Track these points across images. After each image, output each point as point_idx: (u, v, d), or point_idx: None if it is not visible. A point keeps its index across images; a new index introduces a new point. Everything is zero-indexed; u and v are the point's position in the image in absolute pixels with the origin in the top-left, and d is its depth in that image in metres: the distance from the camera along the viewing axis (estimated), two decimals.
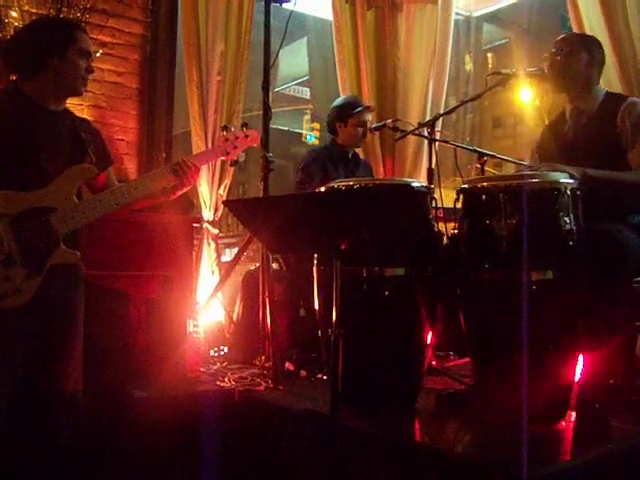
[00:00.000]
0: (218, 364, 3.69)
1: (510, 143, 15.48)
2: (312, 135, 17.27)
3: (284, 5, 3.80)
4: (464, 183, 2.75)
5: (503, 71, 3.51)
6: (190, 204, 3.96)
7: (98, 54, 4.47)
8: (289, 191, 4.25)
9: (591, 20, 4.00)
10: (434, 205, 2.95)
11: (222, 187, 4.89)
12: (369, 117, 4.35)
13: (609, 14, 3.92)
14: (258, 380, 3.29)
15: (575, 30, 4.06)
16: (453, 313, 2.83)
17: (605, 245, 2.52)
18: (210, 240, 4.85)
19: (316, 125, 16.96)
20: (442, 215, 3.11)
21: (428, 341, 2.88)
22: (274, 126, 5.93)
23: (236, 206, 2.36)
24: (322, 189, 2.94)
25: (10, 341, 2.25)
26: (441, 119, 4.19)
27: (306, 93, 20.27)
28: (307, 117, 19.60)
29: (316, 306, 2.97)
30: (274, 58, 3.73)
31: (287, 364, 3.58)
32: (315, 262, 2.94)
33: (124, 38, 4.82)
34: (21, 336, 2.27)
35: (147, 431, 2.78)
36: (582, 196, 2.59)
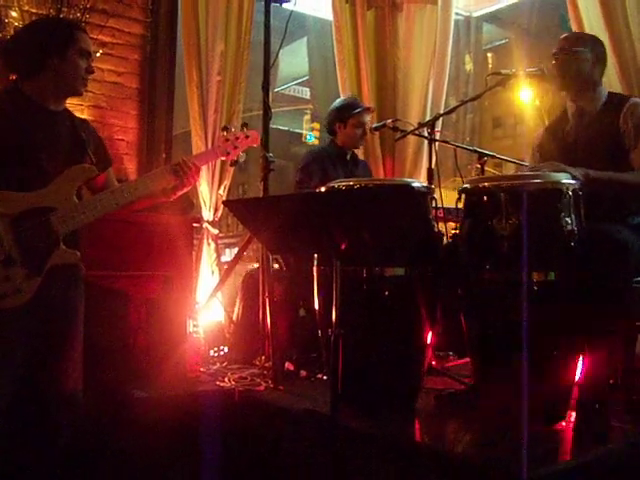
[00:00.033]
0: (218, 364, 3.69)
1: (510, 143, 15.48)
2: (312, 135, 17.26)
3: (284, 5, 3.80)
4: (466, 183, 2.75)
5: (503, 71, 3.52)
6: (190, 204, 3.96)
7: (98, 54, 4.47)
8: (289, 191, 4.25)
9: (591, 20, 4.00)
10: (434, 205, 2.95)
11: (222, 187, 4.89)
12: (368, 118, 4.35)
13: (609, 14, 3.92)
14: (258, 380, 3.29)
15: (575, 30, 4.06)
16: (453, 313, 2.83)
17: (606, 246, 2.51)
18: (210, 240, 4.85)
19: (316, 125, 16.95)
20: (442, 215, 3.11)
21: (428, 341, 2.88)
22: (274, 126, 5.92)
23: (236, 206, 2.36)
24: (322, 189, 2.95)
25: (10, 341, 2.25)
26: (441, 119, 4.19)
27: (306, 93, 20.27)
28: (307, 117, 19.60)
29: (316, 306, 2.97)
30: (274, 58, 3.72)
31: (287, 364, 3.58)
32: (315, 262, 2.94)
33: (124, 38, 4.83)
34: (21, 336, 2.27)
35: (147, 431, 2.78)
36: (584, 197, 2.59)
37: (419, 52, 5.43)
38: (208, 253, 4.85)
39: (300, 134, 19.51)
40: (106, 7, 4.66)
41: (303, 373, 3.50)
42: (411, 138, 4.79)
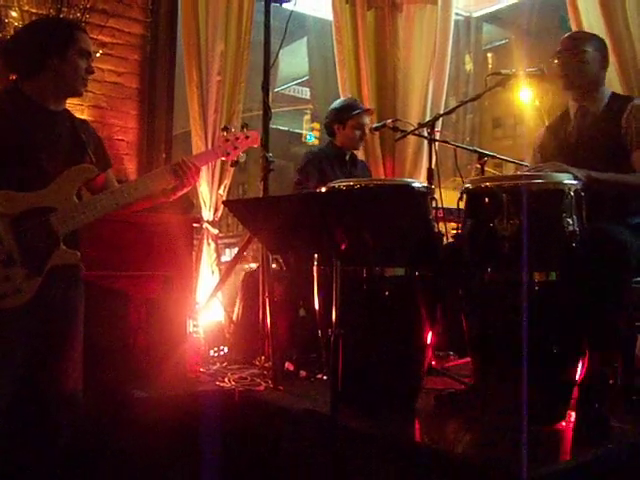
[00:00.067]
0: (218, 364, 3.69)
1: (510, 143, 15.49)
2: (312, 135, 17.27)
3: (284, 5, 3.80)
4: (467, 183, 2.75)
5: (503, 71, 3.52)
6: (190, 204, 3.96)
7: (98, 54, 4.47)
8: (289, 191, 4.25)
9: (591, 21, 4.00)
10: (434, 205, 2.95)
11: (222, 187, 4.89)
12: (368, 120, 4.34)
13: (609, 15, 3.92)
14: (258, 380, 3.29)
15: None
16: (454, 313, 2.84)
17: (606, 246, 2.51)
18: (210, 240, 4.85)
19: (316, 125, 16.97)
20: (442, 215, 3.11)
21: (428, 341, 2.88)
22: (274, 126, 5.93)
23: (236, 206, 2.36)
24: (322, 189, 2.95)
25: (10, 341, 2.25)
26: (441, 119, 4.19)
27: (306, 93, 20.30)
28: (307, 117, 19.62)
29: (316, 306, 2.97)
30: (274, 58, 3.72)
31: (287, 364, 3.58)
32: (315, 262, 2.94)
33: (124, 38, 4.83)
34: (21, 336, 2.27)
35: (147, 431, 2.78)
36: (586, 197, 2.59)
37: (419, 52, 5.42)
38: (208, 253, 4.85)
39: (300, 134, 19.53)
40: (106, 7, 4.66)
41: (303, 373, 3.50)
42: (411, 138, 4.79)
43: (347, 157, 4.30)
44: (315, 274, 2.95)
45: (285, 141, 18.86)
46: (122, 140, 4.83)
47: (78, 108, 4.35)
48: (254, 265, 5.33)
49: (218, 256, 4.89)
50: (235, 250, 4.80)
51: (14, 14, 4.22)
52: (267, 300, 3.42)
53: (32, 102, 2.40)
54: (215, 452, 2.85)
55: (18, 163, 2.29)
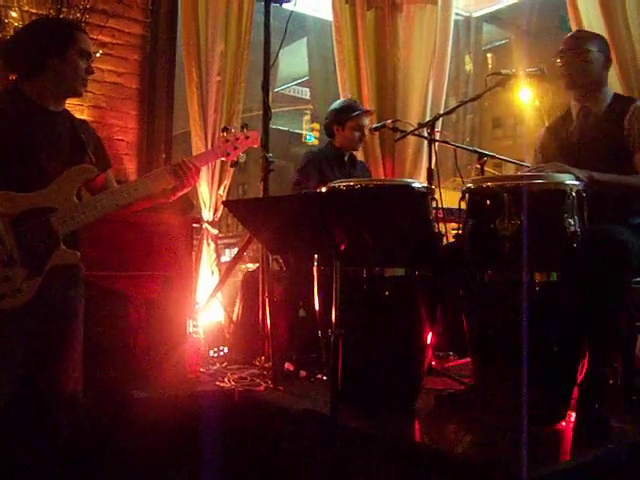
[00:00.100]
0: (218, 364, 3.69)
1: (510, 143, 15.51)
2: (312, 135, 17.30)
3: (284, 5, 3.80)
4: (469, 183, 2.75)
5: (503, 71, 3.52)
6: (190, 205, 3.96)
7: (98, 54, 4.47)
8: (289, 192, 4.25)
9: (591, 21, 4.00)
10: (434, 205, 2.95)
11: (222, 187, 4.89)
12: (367, 121, 4.34)
13: (609, 15, 3.92)
14: (258, 380, 3.29)
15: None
16: (454, 313, 2.84)
17: (609, 246, 2.51)
18: (210, 240, 4.85)
19: (316, 125, 16.99)
20: (442, 215, 3.11)
21: (428, 341, 2.88)
22: (274, 126, 5.93)
23: (236, 206, 2.36)
24: (322, 189, 2.95)
25: (10, 341, 2.25)
26: (441, 119, 4.19)
27: (306, 93, 20.31)
28: (307, 117, 19.65)
29: (316, 306, 2.97)
30: (274, 58, 3.72)
31: (287, 364, 3.58)
32: (315, 262, 2.94)
33: (124, 38, 4.82)
34: (21, 336, 2.27)
35: (147, 431, 2.78)
36: (587, 198, 2.59)
37: (419, 52, 5.42)
38: (208, 253, 4.85)
39: (300, 134, 19.55)
40: (106, 7, 4.66)
41: (303, 373, 3.50)
42: (411, 138, 4.79)
43: (346, 158, 4.30)
44: (315, 274, 2.95)
45: (285, 141, 18.88)
46: (122, 140, 4.83)
47: (78, 108, 4.35)
48: (251, 265, 5.34)
49: (218, 256, 4.89)
50: (235, 250, 4.80)
51: (14, 14, 4.22)
52: (267, 300, 3.42)
53: (32, 102, 2.40)
54: (215, 452, 2.85)
55: (18, 163, 2.30)
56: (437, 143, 3.94)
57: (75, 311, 2.42)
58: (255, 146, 2.88)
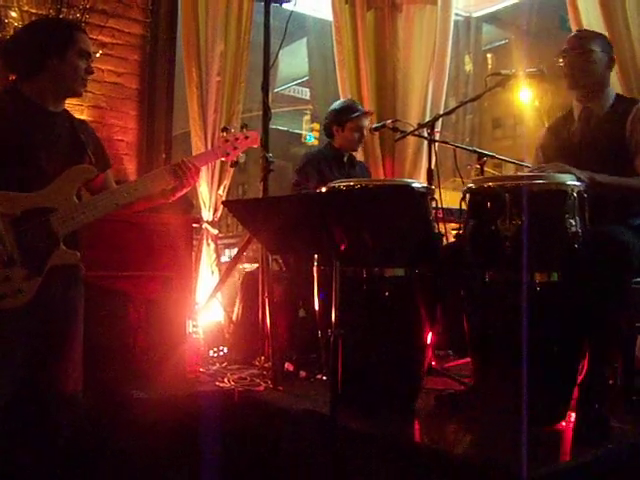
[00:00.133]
0: (217, 364, 3.69)
1: (510, 144, 15.50)
2: (312, 136, 17.27)
3: (284, 5, 3.80)
4: (470, 183, 2.75)
5: (503, 72, 3.52)
6: (189, 205, 3.96)
7: (98, 54, 4.47)
8: (288, 192, 4.25)
9: (590, 21, 4.00)
10: (434, 206, 2.95)
11: (222, 188, 4.89)
12: (367, 122, 4.34)
13: (609, 15, 3.92)
14: (258, 380, 3.29)
15: (575, 31, 4.05)
16: (454, 313, 2.84)
17: (610, 247, 2.51)
18: (210, 240, 4.85)
19: (316, 126, 16.96)
20: (442, 216, 3.11)
21: (428, 341, 2.88)
22: (274, 127, 5.93)
23: (236, 207, 2.36)
24: (322, 189, 2.95)
25: (10, 341, 2.25)
26: (441, 120, 4.19)
27: (306, 94, 20.30)
28: (307, 118, 19.63)
29: (316, 306, 2.97)
30: (274, 59, 3.73)
31: (287, 364, 3.58)
32: (315, 262, 2.95)
33: (124, 38, 4.82)
34: (21, 336, 2.27)
35: (147, 431, 2.78)
36: (589, 199, 2.59)
37: (419, 53, 5.42)
38: (208, 253, 4.85)
39: (300, 135, 19.53)
40: (106, 7, 4.66)
41: (303, 373, 3.50)
42: (411, 139, 4.79)
43: (345, 158, 4.30)
44: (315, 274, 2.95)
45: (285, 141, 18.87)
46: (122, 140, 4.83)
47: (78, 108, 4.35)
48: (247, 265, 5.33)
49: (218, 256, 4.89)
50: (235, 250, 4.80)
51: (14, 14, 4.22)
52: (267, 300, 3.42)
53: (31, 103, 2.40)
54: (215, 452, 2.85)
55: (18, 163, 2.30)
56: (437, 143, 3.94)
57: (75, 311, 2.42)
58: (255, 146, 2.88)
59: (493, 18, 12.65)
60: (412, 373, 2.84)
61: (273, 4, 3.72)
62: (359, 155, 4.80)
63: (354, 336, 2.40)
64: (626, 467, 2.31)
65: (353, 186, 2.81)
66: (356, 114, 4.22)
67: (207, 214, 4.87)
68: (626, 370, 2.82)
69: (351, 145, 4.28)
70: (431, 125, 3.93)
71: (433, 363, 3.33)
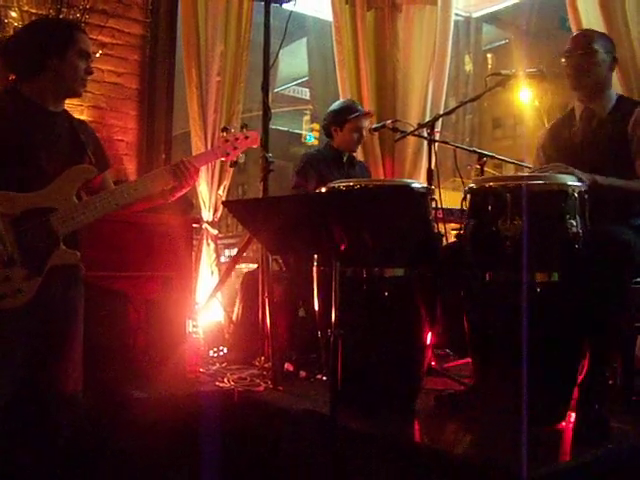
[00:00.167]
0: (217, 365, 3.69)
1: (510, 144, 15.52)
2: (312, 136, 17.28)
3: (284, 5, 3.80)
4: (471, 183, 2.75)
5: (503, 72, 3.51)
6: (189, 205, 3.96)
7: (98, 55, 4.47)
8: (288, 192, 4.24)
9: (590, 21, 4.00)
10: (434, 206, 2.95)
11: (221, 188, 4.90)
12: (366, 123, 4.32)
13: (608, 15, 3.92)
14: (257, 381, 3.29)
15: (575, 32, 4.05)
16: (453, 313, 2.84)
17: (611, 246, 2.51)
18: (209, 241, 4.85)
19: (316, 126, 16.97)
20: (442, 216, 3.11)
21: (428, 342, 2.88)
22: (274, 127, 5.92)
23: (235, 207, 2.36)
24: (322, 189, 2.95)
25: (10, 341, 2.25)
26: (441, 120, 4.19)
27: (306, 94, 20.31)
28: (307, 118, 19.65)
29: (316, 307, 2.97)
30: (274, 59, 3.73)
31: (286, 365, 3.58)
32: (315, 263, 2.95)
33: (124, 39, 4.83)
34: (21, 336, 2.27)
35: (147, 431, 2.78)
36: (589, 199, 2.59)
37: (419, 53, 5.42)
38: (208, 253, 4.85)
39: (300, 135, 19.55)
40: (106, 7, 4.66)
41: (303, 374, 3.50)
42: (411, 139, 4.79)
43: (345, 159, 4.29)
44: (315, 275, 2.95)
45: (285, 142, 18.88)
46: (122, 140, 4.83)
47: (78, 109, 4.35)
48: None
49: (218, 256, 4.90)
50: (234, 250, 4.80)
51: (14, 14, 4.22)
52: (267, 300, 3.42)
53: (31, 103, 2.40)
54: (215, 452, 2.85)
55: (18, 163, 2.30)
56: (437, 143, 3.94)
57: (75, 311, 2.42)
58: (255, 146, 2.88)
59: (493, 18, 12.66)
60: (412, 373, 2.84)
61: (273, 4, 3.72)
62: (359, 155, 4.80)
63: (354, 336, 2.40)
64: (626, 467, 2.31)
65: (353, 186, 2.81)
66: (355, 115, 4.22)
67: (207, 214, 4.87)
68: (626, 370, 2.82)
69: (350, 146, 4.27)
70: (431, 125, 3.92)
71: (433, 363, 3.33)
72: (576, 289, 2.48)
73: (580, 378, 2.57)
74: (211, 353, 3.87)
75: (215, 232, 4.90)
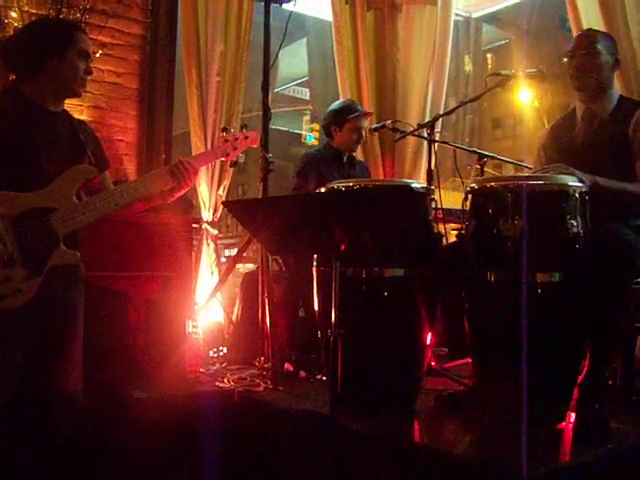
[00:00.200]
0: (217, 365, 3.69)
1: (510, 144, 15.53)
2: (311, 136, 17.29)
3: (284, 6, 3.81)
4: (472, 183, 2.75)
5: (503, 72, 3.52)
6: (189, 205, 3.96)
7: (98, 55, 4.47)
8: (288, 192, 4.25)
9: (590, 21, 4.00)
10: (433, 206, 2.95)
11: (221, 188, 4.90)
12: (366, 123, 4.32)
13: (608, 15, 3.92)
14: (257, 381, 3.29)
15: (574, 31, 4.05)
16: (453, 313, 2.84)
17: (613, 246, 2.51)
18: (209, 241, 4.85)
19: (315, 126, 16.97)
20: (441, 216, 3.11)
21: (427, 342, 2.88)
22: (273, 127, 5.92)
23: (235, 207, 2.36)
24: (322, 190, 2.95)
25: (10, 341, 2.25)
26: (440, 120, 4.19)
27: (305, 94, 20.32)
28: (306, 118, 19.65)
29: (315, 307, 2.97)
30: (274, 59, 3.72)
31: (286, 365, 3.58)
32: (314, 263, 2.95)
33: (124, 39, 4.83)
34: (21, 336, 2.27)
35: (146, 431, 2.78)
36: (590, 199, 2.59)
37: (419, 53, 5.42)
38: (207, 254, 4.85)
39: (299, 135, 19.56)
40: (106, 8, 4.66)
41: (302, 374, 3.50)
42: (410, 139, 4.79)
43: (345, 158, 4.29)
44: (314, 275, 2.95)
45: (285, 142, 18.89)
46: (122, 141, 4.83)
47: (78, 109, 4.35)
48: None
49: (217, 257, 4.89)
50: (234, 250, 4.80)
51: (14, 14, 4.22)
52: (266, 301, 3.42)
53: (31, 103, 2.40)
54: (215, 452, 2.85)
55: (17, 163, 2.30)
56: (437, 143, 3.94)
57: (75, 311, 2.42)
58: (254, 146, 2.88)
59: (493, 18, 12.66)
60: (412, 373, 2.84)
61: (273, 4, 3.72)
62: (359, 155, 4.80)
63: (354, 336, 2.40)
64: (626, 467, 2.31)
65: (352, 186, 2.81)
66: (354, 114, 4.21)
67: (207, 214, 4.87)
68: (626, 370, 2.83)
69: (349, 146, 4.27)
70: (431, 125, 3.92)
71: (433, 363, 3.33)
72: (577, 289, 2.49)
73: (580, 378, 2.57)
74: (211, 353, 3.87)
75: (215, 232, 4.90)
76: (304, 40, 16.67)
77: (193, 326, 3.63)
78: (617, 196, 2.77)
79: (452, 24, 5.53)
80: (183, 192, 2.63)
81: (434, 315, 2.87)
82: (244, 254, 4.15)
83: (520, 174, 3.80)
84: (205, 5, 4.83)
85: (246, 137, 2.78)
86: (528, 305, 2.37)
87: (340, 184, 2.88)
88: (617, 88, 3.70)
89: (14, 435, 2.30)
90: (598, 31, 3.24)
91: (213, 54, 4.85)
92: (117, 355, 3.14)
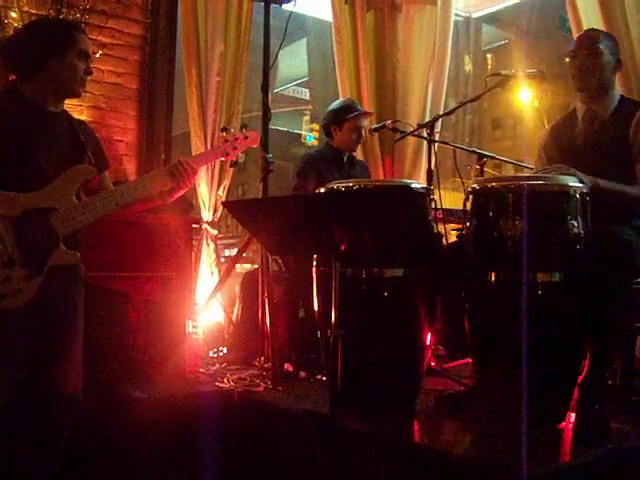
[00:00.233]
0: (217, 365, 3.69)
1: (509, 144, 15.53)
2: (311, 136, 17.29)
3: (284, 6, 3.81)
4: (473, 183, 2.75)
5: (502, 72, 3.51)
6: (189, 205, 3.96)
7: (98, 55, 4.48)
8: (288, 192, 4.25)
9: (590, 21, 4.00)
10: (433, 206, 2.95)
11: (221, 188, 4.90)
12: (366, 123, 4.32)
13: (608, 15, 3.91)
14: (257, 381, 3.28)
15: (575, 32, 4.05)
16: (453, 313, 2.84)
17: (613, 246, 2.51)
18: (209, 241, 4.86)
19: (315, 126, 16.97)
20: (441, 216, 3.11)
21: (427, 342, 2.88)
22: (273, 127, 5.92)
23: (235, 207, 2.36)
24: (322, 190, 2.95)
25: (10, 341, 2.25)
26: (440, 120, 4.18)
27: (305, 94, 20.32)
28: (306, 118, 19.65)
29: (315, 307, 2.97)
30: (273, 59, 3.72)
31: (286, 365, 3.58)
32: (314, 263, 2.95)
33: (123, 39, 4.83)
34: (21, 336, 2.27)
35: (146, 431, 2.78)
36: (591, 200, 2.59)
37: (418, 53, 5.42)
38: (207, 254, 4.85)
39: (299, 135, 19.56)
40: (105, 8, 4.67)
41: (302, 374, 3.50)
42: (410, 139, 4.79)
43: (345, 158, 4.28)
44: (314, 275, 2.95)
45: (284, 142, 18.90)
46: (121, 141, 4.83)
47: (77, 109, 4.36)
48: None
49: (217, 257, 4.90)
50: (234, 251, 4.80)
51: (14, 15, 4.22)
52: (266, 301, 3.42)
53: (31, 103, 2.40)
54: (214, 453, 2.85)
55: (17, 163, 2.30)
56: (436, 144, 3.94)
57: (75, 311, 2.42)
58: (254, 146, 2.88)
59: (493, 18, 12.66)
60: (412, 373, 2.84)
61: (273, 4, 3.72)
62: (359, 155, 4.79)
63: (354, 336, 2.40)
64: (626, 468, 2.31)
65: (352, 187, 2.81)
66: (354, 114, 4.21)
67: (207, 214, 4.87)
68: (626, 370, 2.83)
69: (349, 145, 4.27)
70: (431, 125, 3.92)
71: (433, 364, 3.33)
72: (577, 290, 2.49)
73: (580, 378, 2.57)
74: (211, 353, 3.87)
75: (215, 232, 4.90)
76: (304, 40, 16.68)
77: (193, 326, 3.63)
78: (617, 198, 2.77)
79: (452, 24, 5.52)
80: (182, 192, 2.63)
81: (434, 315, 2.87)
82: (244, 254, 4.15)
83: (521, 174, 3.80)
84: (205, 5, 4.83)
85: (246, 137, 2.78)
86: (528, 305, 2.37)
87: (340, 184, 2.88)
88: (617, 88, 3.71)
89: (14, 435, 2.30)
90: (600, 31, 3.23)
91: (213, 54, 4.85)
92: (117, 355, 3.15)
